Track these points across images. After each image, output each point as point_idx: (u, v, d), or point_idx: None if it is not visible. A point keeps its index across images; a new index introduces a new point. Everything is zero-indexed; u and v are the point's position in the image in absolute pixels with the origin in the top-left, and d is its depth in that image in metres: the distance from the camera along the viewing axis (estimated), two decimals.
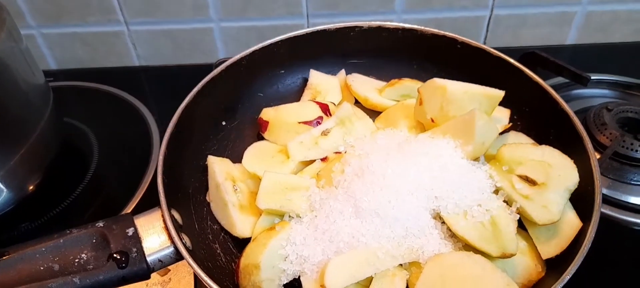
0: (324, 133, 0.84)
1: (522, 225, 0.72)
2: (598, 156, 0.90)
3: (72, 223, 0.65)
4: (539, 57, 0.93)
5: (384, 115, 0.91)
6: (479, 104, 0.78)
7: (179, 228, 0.67)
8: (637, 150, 0.92)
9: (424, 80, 0.82)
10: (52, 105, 0.96)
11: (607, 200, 0.88)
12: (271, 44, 0.91)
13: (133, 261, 0.63)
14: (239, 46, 1.22)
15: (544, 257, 0.69)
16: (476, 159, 0.76)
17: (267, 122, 0.88)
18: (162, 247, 0.65)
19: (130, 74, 1.30)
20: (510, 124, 0.86)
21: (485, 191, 0.71)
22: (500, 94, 0.79)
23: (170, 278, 0.81)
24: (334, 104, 0.92)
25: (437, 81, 0.79)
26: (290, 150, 0.82)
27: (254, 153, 0.85)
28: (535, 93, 0.82)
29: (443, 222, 0.70)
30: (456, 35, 0.91)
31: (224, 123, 0.90)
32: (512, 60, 0.86)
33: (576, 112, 0.77)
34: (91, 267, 0.62)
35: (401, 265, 0.68)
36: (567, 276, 0.60)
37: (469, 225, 0.68)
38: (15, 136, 0.87)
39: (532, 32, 1.27)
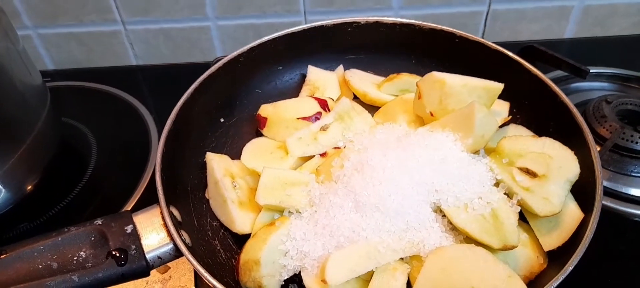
0: (323, 128, 0.84)
1: (524, 218, 0.72)
2: (598, 148, 0.89)
3: (71, 222, 0.64)
4: (537, 51, 0.94)
5: (382, 110, 0.91)
6: (478, 96, 0.77)
7: (178, 225, 0.67)
8: (637, 142, 0.92)
9: (422, 74, 0.82)
10: (49, 105, 0.96)
11: (607, 192, 0.88)
12: (269, 41, 0.91)
13: (132, 258, 0.62)
14: (236, 44, 1.20)
15: (546, 248, 0.69)
16: (476, 152, 0.76)
17: (265, 119, 0.88)
18: (162, 244, 0.65)
19: (128, 73, 1.30)
20: (510, 116, 0.85)
21: (486, 184, 0.71)
22: (499, 86, 0.79)
23: (170, 276, 0.81)
24: (333, 100, 0.91)
25: (436, 74, 0.79)
26: (289, 146, 0.82)
27: (252, 149, 0.85)
28: (535, 86, 0.82)
29: (444, 215, 0.70)
30: (454, 30, 0.91)
31: (222, 120, 0.90)
32: (510, 53, 0.86)
33: (575, 105, 0.77)
34: (90, 264, 0.62)
35: (402, 259, 0.67)
36: (569, 267, 0.60)
37: (469, 218, 0.68)
38: (13, 136, 0.87)
39: (530, 26, 1.26)
